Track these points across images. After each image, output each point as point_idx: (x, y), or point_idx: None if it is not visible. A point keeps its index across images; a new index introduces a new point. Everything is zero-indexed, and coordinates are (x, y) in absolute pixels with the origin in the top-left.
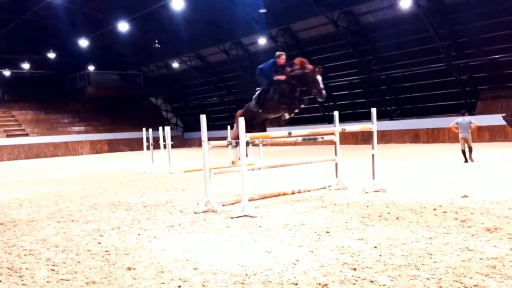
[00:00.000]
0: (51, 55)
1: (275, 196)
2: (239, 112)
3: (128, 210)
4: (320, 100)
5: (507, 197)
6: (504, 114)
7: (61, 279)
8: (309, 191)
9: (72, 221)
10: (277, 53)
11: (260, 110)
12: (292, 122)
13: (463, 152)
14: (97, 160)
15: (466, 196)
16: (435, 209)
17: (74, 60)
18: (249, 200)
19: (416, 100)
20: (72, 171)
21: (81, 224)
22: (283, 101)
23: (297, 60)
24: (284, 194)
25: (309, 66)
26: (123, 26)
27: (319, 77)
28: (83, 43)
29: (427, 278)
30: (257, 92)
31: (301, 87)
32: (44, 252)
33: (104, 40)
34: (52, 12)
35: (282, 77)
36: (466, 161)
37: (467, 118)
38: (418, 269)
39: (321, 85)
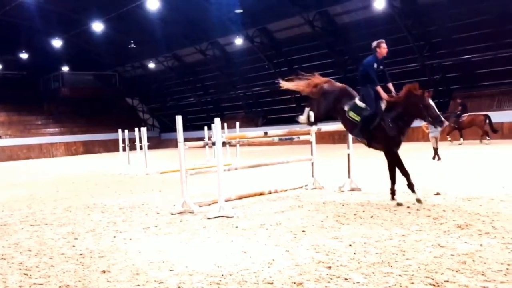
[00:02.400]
0: (24, 55)
1: (252, 196)
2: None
3: (104, 212)
4: (439, 127)
5: (478, 195)
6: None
7: (34, 284)
8: (286, 190)
9: (46, 224)
10: (375, 42)
11: (367, 142)
12: (269, 122)
13: (435, 149)
14: (72, 162)
15: (439, 194)
16: (408, 207)
17: (48, 60)
18: (226, 201)
19: None
20: (46, 173)
21: (55, 227)
22: (399, 139)
23: (405, 88)
24: (261, 194)
25: (418, 92)
26: (97, 26)
27: (431, 102)
28: (57, 43)
29: (400, 275)
30: (364, 116)
31: (409, 116)
32: (16, 256)
33: (78, 40)
34: (25, 12)
35: (386, 97)
36: (439, 158)
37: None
38: (391, 266)
39: (436, 111)
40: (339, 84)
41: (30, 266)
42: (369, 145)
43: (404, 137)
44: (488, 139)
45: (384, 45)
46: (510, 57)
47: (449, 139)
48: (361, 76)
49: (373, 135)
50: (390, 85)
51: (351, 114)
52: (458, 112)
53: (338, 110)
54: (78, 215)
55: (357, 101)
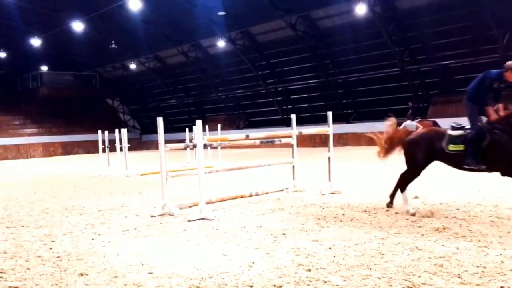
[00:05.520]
0: (2, 54)
1: (233, 198)
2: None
3: (82, 215)
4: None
5: (455, 198)
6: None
7: (10, 287)
8: (267, 193)
9: (22, 226)
10: (509, 63)
11: (484, 167)
12: (251, 125)
13: None
14: (50, 163)
15: (417, 197)
16: (387, 210)
17: (27, 59)
18: (207, 203)
19: (371, 104)
20: (24, 174)
21: (31, 230)
22: None
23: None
24: (242, 197)
25: None
26: (78, 26)
27: None
28: (36, 42)
29: (378, 278)
30: (468, 139)
31: None
32: None
33: (58, 39)
34: (3, 10)
35: (495, 118)
36: None
37: (413, 123)
38: (370, 268)
39: None
40: (420, 129)
41: (6, 269)
42: (490, 168)
43: None
44: None
45: None
46: (488, 63)
47: None
48: (474, 89)
49: (491, 154)
50: (500, 106)
51: (451, 148)
52: (409, 117)
53: (436, 153)
54: (55, 217)
55: (449, 132)
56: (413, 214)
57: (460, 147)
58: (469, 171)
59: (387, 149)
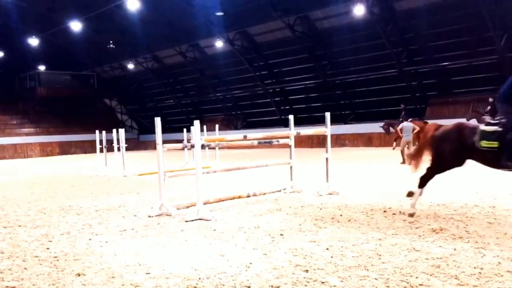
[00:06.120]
0: None
1: (231, 199)
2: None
3: (79, 215)
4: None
5: (452, 200)
6: (381, 124)
7: (7, 286)
8: (265, 194)
9: (19, 226)
10: None
11: None
12: (248, 125)
13: (402, 152)
14: (48, 163)
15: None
16: (385, 211)
17: (24, 59)
18: (204, 203)
19: (369, 105)
20: (21, 174)
21: (28, 229)
22: None
23: None
24: (239, 197)
25: None
26: (76, 26)
27: None
28: (34, 41)
29: (376, 278)
30: (508, 139)
31: None
32: None
33: (56, 39)
34: (1, 9)
35: None
36: (403, 162)
37: (410, 124)
38: (367, 269)
39: None
40: (447, 125)
41: (3, 268)
42: None
43: None
44: None
45: None
46: (485, 65)
47: (394, 145)
48: (506, 91)
49: None
50: None
51: (484, 144)
52: (401, 119)
53: (467, 149)
54: (52, 217)
55: (483, 127)
56: (412, 215)
57: (494, 144)
58: (505, 170)
59: (420, 154)
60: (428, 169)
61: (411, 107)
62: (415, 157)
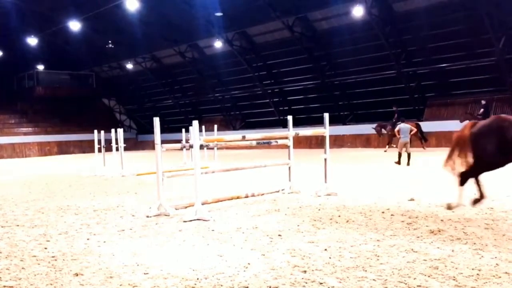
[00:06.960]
0: None
1: (229, 199)
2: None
3: (77, 214)
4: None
5: (451, 201)
6: (374, 126)
7: (4, 286)
8: (263, 194)
9: (17, 225)
10: None
11: None
12: (247, 126)
13: (400, 154)
14: (46, 163)
15: (413, 200)
16: (383, 212)
17: (23, 58)
18: (203, 204)
19: (368, 106)
20: (19, 174)
21: (26, 229)
22: None
23: None
24: (238, 198)
25: None
26: (74, 25)
27: None
28: (32, 41)
29: (374, 279)
30: None
31: None
32: None
33: (54, 39)
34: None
35: None
36: (399, 163)
37: (407, 125)
38: (366, 270)
39: None
40: (484, 120)
41: (0, 268)
42: None
43: None
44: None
45: None
46: (483, 66)
47: (387, 147)
48: None
49: None
50: None
51: None
52: (394, 120)
53: (509, 145)
54: (50, 216)
55: None
56: (450, 207)
57: None
58: None
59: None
60: (472, 167)
61: (410, 108)
62: (449, 158)
